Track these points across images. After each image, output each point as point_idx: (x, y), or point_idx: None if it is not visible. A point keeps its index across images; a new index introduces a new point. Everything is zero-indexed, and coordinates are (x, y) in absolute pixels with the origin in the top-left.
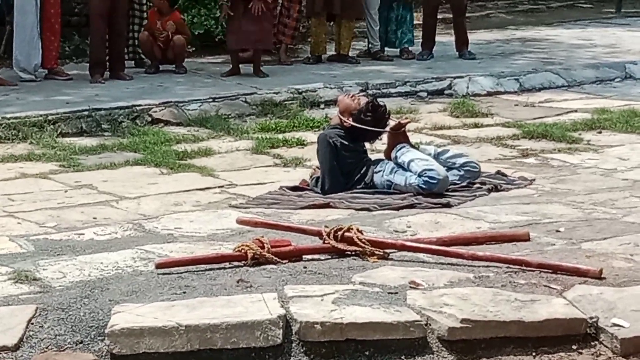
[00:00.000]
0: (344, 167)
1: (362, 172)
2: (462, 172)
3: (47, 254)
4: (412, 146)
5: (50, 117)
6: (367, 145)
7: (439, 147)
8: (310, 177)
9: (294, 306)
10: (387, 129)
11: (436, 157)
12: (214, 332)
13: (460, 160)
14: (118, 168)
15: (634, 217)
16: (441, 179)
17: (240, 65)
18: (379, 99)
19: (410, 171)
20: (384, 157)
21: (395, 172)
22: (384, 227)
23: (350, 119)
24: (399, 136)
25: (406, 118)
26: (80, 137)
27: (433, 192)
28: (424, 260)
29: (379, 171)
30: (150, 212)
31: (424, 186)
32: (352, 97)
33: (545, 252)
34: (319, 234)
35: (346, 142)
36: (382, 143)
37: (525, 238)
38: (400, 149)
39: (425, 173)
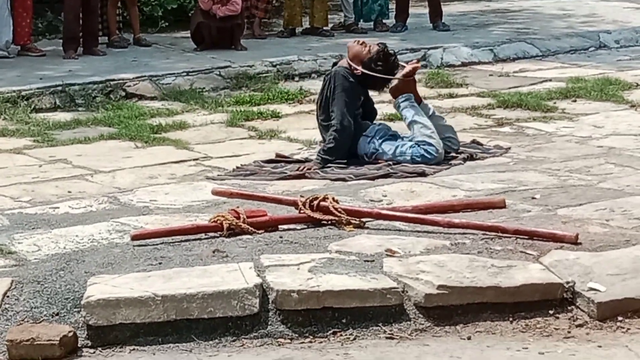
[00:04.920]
0: None
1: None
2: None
3: (22, 228)
4: (418, 99)
5: (23, 93)
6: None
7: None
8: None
9: (271, 275)
10: (399, 75)
11: (430, 117)
12: (190, 302)
13: (446, 134)
14: (92, 142)
15: (609, 183)
16: (437, 156)
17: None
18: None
19: (408, 128)
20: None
21: (384, 141)
22: (359, 196)
23: (360, 67)
24: (409, 83)
25: (417, 61)
26: (54, 112)
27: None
28: (400, 228)
29: (367, 136)
30: (125, 185)
31: (418, 158)
32: (362, 43)
33: (521, 219)
34: (294, 203)
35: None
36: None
37: (501, 205)
38: (406, 99)
39: (424, 145)
